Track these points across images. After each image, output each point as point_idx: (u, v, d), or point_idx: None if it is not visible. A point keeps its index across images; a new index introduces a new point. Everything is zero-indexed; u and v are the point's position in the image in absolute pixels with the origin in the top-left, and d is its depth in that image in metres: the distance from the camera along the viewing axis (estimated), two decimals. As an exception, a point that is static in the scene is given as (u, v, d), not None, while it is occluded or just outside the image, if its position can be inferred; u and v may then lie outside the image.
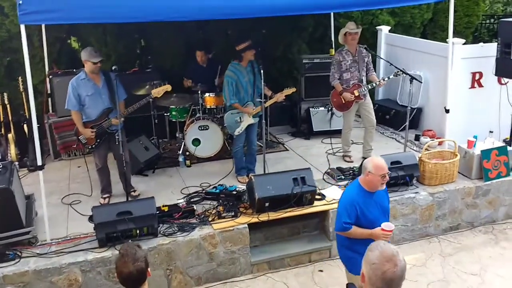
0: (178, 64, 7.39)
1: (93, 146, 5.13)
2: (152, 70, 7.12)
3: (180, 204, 4.99)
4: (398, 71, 5.88)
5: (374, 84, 6.03)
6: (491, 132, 5.81)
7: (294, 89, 5.71)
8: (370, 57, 6.15)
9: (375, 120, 6.19)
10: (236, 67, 5.51)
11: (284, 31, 7.72)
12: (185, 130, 6.37)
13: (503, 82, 6.45)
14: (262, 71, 5.38)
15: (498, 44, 6.00)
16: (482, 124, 6.12)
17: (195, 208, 4.89)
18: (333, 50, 7.49)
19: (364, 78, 6.04)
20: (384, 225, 3.25)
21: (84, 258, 4.23)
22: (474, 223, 5.58)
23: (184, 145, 6.36)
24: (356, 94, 5.95)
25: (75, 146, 6.38)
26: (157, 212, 4.58)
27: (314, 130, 7.24)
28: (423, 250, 5.13)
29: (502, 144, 5.78)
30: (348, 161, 6.24)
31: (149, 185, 5.75)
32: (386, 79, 6.10)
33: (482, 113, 6.47)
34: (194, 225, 4.66)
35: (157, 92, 5.32)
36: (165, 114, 6.72)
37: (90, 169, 5.51)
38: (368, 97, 6.14)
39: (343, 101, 6.02)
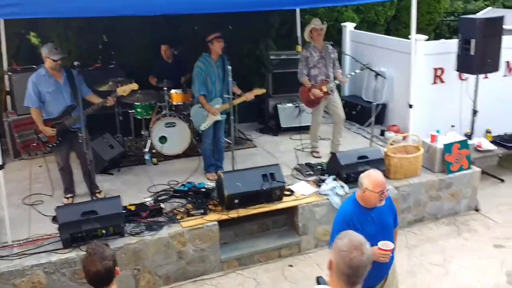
0: (143, 60, 7.22)
1: (54, 144, 4.96)
2: (115, 66, 6.95)
3: (148, 203, 4.89)
4: (363, 66, 5.98)
5: (340, 80, 6.13)
6: (452, 126, 5.99)
7: (264, 90, 5.77)
8: (337, 54, 6.21)
9: (344, 115, 6.26)
10: (207, 58, 5.46)
11: (251, 27, 7.69)
12: (151, 127, 6.25)
13: (463, 78, 6.64)
14: (230, 67, 5.34)
15: (458, 40, 6.18)
16: (444, 118, 6.29)
17: (163, 207, 4.81)
18: (300, 46, 7.53)
19: (331, 74, 6.09)
20: (381, 244, 2.94)
21: (47, 259, 4.10)
22: (438, 215, 5.74)
23: (151, 142, 6.24)
24: (325, 90, 5.98)
25: (34, 144, 6.17)
26: (124, 211, 4.48)
27: (282, 126, 7.26)
28: (390, 242, 5.22)
29: (463, 138, 5.96)
30: (316, 157, 6.29)
31: (114, 184, 5.61)
32: (353, 73, 6.23)
33: (444, 108, 6.65)
34: (162, 224, 4.57)
35: (123, 90, 5.15)
36: (130, 111, 6.56)
37: (51, 169, 5.33)
38: (336, 93, 6.21)
39: (312, 97, 6.06)
